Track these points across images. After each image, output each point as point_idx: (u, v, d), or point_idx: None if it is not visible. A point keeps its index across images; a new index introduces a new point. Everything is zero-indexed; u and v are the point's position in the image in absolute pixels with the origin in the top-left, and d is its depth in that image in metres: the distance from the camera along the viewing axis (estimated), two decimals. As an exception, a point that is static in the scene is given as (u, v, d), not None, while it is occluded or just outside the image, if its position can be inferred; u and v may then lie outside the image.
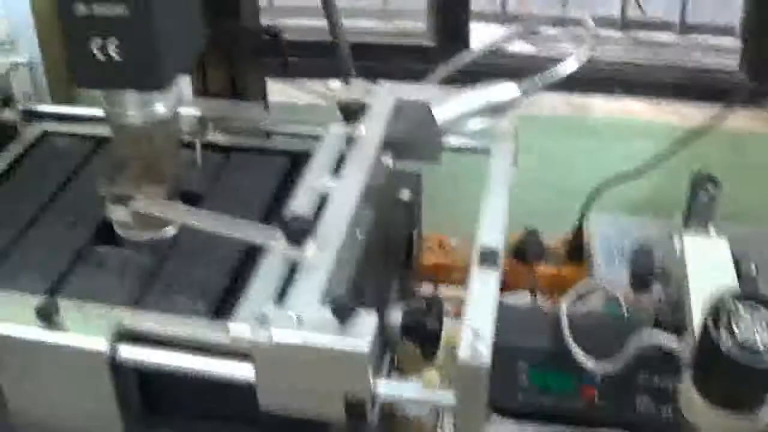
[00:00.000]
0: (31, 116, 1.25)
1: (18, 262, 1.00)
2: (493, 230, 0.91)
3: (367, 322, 0.79)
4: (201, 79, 1.26)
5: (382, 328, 1.12)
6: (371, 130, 1.07)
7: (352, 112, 1.06)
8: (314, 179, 0.98)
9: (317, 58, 1.62)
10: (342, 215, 0.93)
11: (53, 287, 0.96)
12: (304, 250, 0.86)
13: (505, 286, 1.14)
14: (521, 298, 1.42)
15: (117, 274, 0.98)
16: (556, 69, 1.01)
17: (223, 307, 0.92)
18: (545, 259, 1.53)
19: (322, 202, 0.96)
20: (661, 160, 1.42)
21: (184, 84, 1.27)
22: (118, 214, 0.99)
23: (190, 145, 1.16)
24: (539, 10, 1.90)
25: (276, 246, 0.87)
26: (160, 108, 0.97)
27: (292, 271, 0.86)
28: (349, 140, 1.07)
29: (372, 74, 1.58)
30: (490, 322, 0.82)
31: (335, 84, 1.69)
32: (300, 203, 0.94)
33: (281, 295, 0.84)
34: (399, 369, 1.33)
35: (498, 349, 0.81)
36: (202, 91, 1.26)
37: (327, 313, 0.79)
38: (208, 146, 1.18)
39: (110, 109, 0.96)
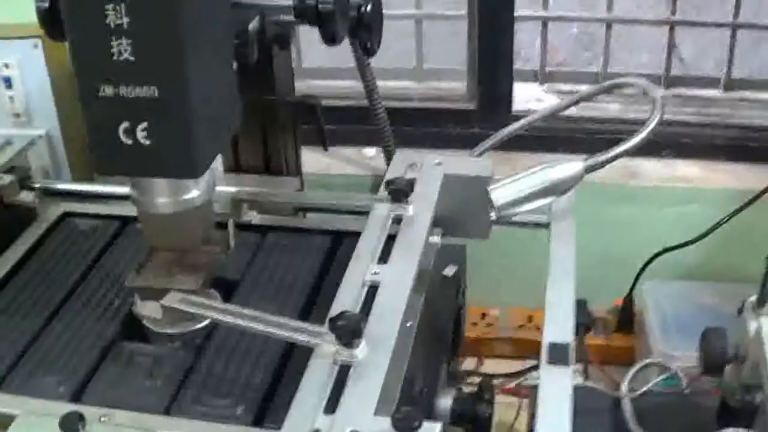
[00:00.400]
0: (50, 195, 1.18)
1: (40, 361, 0.92)
2: (561, 323, 0.83)
3: (431, 436, 0.70)
4: (233, 154, 1.19)
5: (432, 413, 1.05)
6: (421, 210, 0.99)
7: (400, 192, 0.98)
8: (361, 267, 0.90)
9: (350, 124, 1.57)
10: (394, 308, 0.85)
11: (78, 390, 0.88)
12: (356, 352, 0.78)
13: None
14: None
15: (147, 373, 0.90)
16: (625, 144, 0.94)
17: (264, 412, 0.84)
18: (593, 330, 1.45)
19: (370, 293, 0.88)
20: (716, 227, 1.34)
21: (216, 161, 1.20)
22: (147, 309, 0.92)
23: (222, 225, 1.09)
24: (568, 55, 1.83)
25: (325, 347, 0.79)
26: (195, 194, 0.90)
27: (342, 374, 0.78)
28: (397, 219, 0.99)
29: (409, 140, 1.52)
30: (567, 428, 0.74)
31: (370, 152, 1.63)
32: (347, 297, 0.86)
33: (332, 401, 0.75)
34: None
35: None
36: (234, 166, 1.19)
37: (384, 424, 0.70)
38: (241, 226, 1.11)
39: (137, 195, 0.89)
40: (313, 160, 1.43)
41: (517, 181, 0.94)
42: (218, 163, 1.22)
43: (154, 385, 0.88)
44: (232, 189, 1.11)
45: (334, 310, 0.83)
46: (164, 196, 0.89)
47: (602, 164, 0.94)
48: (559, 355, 0.79)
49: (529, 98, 1.68)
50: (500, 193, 0.94)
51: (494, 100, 1.61)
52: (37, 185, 1.17)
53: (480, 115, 1.63)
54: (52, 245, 1.12)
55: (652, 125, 0.97)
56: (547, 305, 0.85)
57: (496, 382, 1.43)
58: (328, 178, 1.49)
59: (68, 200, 1.20)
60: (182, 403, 0.86)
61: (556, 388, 0.76)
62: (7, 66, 1.34)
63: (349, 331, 0.78)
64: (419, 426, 0.68)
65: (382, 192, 1.00)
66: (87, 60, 0.78)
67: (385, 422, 0.70)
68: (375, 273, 0.90)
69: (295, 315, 0.97)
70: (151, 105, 0.79)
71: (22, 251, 1.10)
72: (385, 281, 0.89)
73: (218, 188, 1.11)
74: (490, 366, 1.47)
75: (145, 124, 0.81)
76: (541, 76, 1.72)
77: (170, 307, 0.87)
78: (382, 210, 1.00)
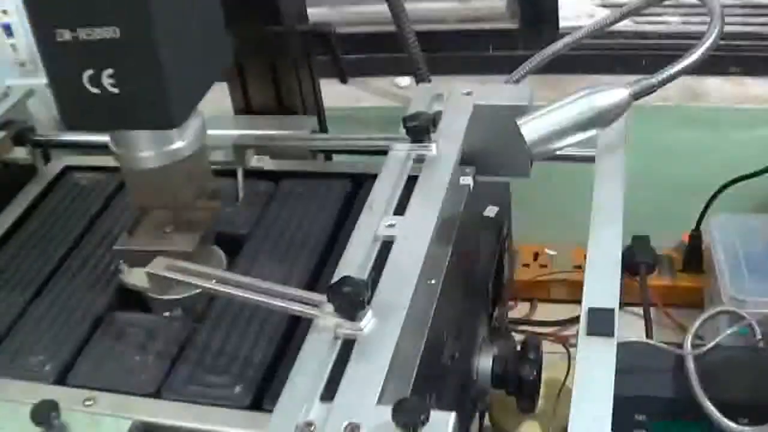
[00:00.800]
0: (53, 147, 1.09)
1: (28, 335, 0.83)
2: (604, 284, 0.70)
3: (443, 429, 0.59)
4: (242, 93, 1.07)
5: (470, 378, 0.94)
6: (446, 149, 0.87)
7: (420, 131, 0.86)
8: (373, 220, 0.78)
9: (379, 53, 1.43)
10: (410, 266, 0.73)
11: (63, 370, 0.79)
12: (360, 324, 0.67)
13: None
14: (630, 320, 1.21)
15: (139, 348, 0.80)
16: (677, 64, 0.79)
17: (263, 392, 0.74)
18: (657, 270, 1.31)
19: (383, 250, 0.76)
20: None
21: (224, 98, 1.09)
22: (134, 277, 0.82)
23: (231, 173, 0.99)
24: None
25: (324, 320, 0.68)
26: (179, 145, 0.79)
27: (345, 351, 0.67)
28: (419, 160, 0.87)
29: (446, 67, 1.38)
30: (607, 413, 0.62)
31: (404, 81, 1.48)
32: (356, 257, 0.74)
33: (331, 385, 0.64)
34: (492, 424, 1.13)
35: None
36: (244, 107, 1.07)
37: (388, 415, 0.59)
38: (253, 173, 1.00)
39: (116, 149, 0.79)
40: (340, 93, 1.31)
41: (551, 113, 0.80)
42: (227, 105, 1.10)
43: (145, 361, 0.79)
44: (240, 132, 1.00)
45: (338, 273, 0.72)
46: (145, 149, 0.78)
47: (652, 89, 0.80)
48: (600, 323, 0.66)
49: (580, 13, 1.51)
50: (532, 128, 0.80)
51: (537, 16, 1.44)
52: (37, 138, 1.08)
53: (523, 35, 1.46)
54: (52, 203, 1.03)
55: (709, 42, 0.82)
56: (588, 262, 0.72)
57: (548, 330, 1.31)
58: (359, 112, 1.36)
59: (73, 152, 1.10)
60: (174, 383, 0.76)
61: (596, 365, 0.64)
62: (5, 12, 1.25)
63: (351, 301, 0.67)
64: (425, 420, 0.57)
65: (402, 130, 0.88)
66: (39, 1, 0.68)
67: (389, 414, 0.59)
68: (390, 225, 0.78)
69: (306, 275, 0.87)
70: (114, 48, 0.68)
71: (19, 211, 1.01)
72: (401, 234, 0.77)
73: (226, 132, 1.01)
74: (544, 312, 1.34)
75: (110, 71, 0.70)
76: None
77: (156, 275, 0.77)
78: (400, 151, 0.87)
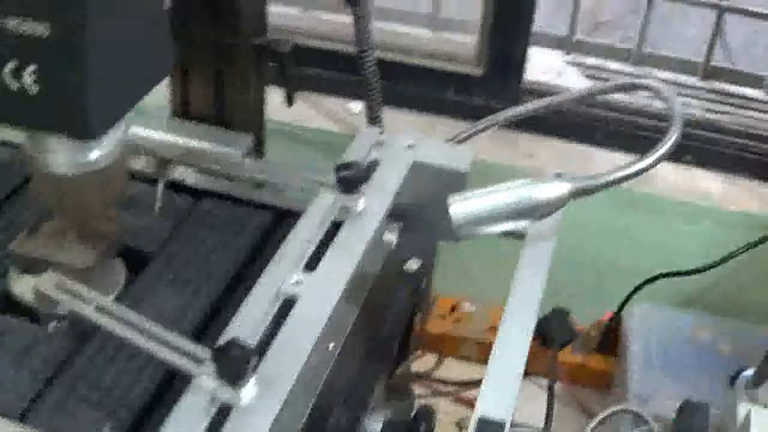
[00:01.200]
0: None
1: None
2: (502, 392, 0.67)
3: None
4: (181, 96, 1.02)
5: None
6: (374, 205, 0.83)
7: (351, 182, 0.82)
8: (280, 274, 0.75)
9: (335, 71, 1.39)
10: (307, 333, 0.69)
11: None
12: (240, 392, 0.63)
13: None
14: (534, 392, 1.18)
15: (14, 362, 0.75)
16: (626, 168, 0.77)
17: (133, 435, 0.70)
18: (573, 346, 1.30)
19: (285, 309, 0.72)
20: (731, 257, 1.17)
21: (161, 98, 1.04)
22: (19, 286, 0.77)
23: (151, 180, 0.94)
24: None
25: (203, 381, 0.64)
26: (95, 155, 0.74)
27: (222, 416, 0.63)
28: (344, 212, 0.83)
29: (399, 100, 1.34)
30: None
31: (357, 106, 1.44)
32: (252, 315, 0.70)
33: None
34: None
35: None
36: (181, 110, 1.03)
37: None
38: (173, 185, 0.96)
39: (29, 149, 0.74)
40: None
41: (486, 196, 0.77)
42: (164, 104, 1.05)
43: (17, 377, 0.74)
44: (168, 139, 0.96)
45: (230, 330, 0.68)
46: (58, 153, 0.73)
47: (593, 190, 0.78)
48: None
49: (548, 70, 1.49)
50: (462, 208, 0.77)
51: (504, 65, 1.41)
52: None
53: (485, 83, 1.43)
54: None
55: (664, 149, 0.79)
56: (490, 365, 0.69)
57: (451, 389, 1.28)
58: (305, 132, 1.32)
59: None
60: (42, 408, 0.71)
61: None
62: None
63: (235, 367, 0.63)
64: None
65: (332, 177, 0.84)
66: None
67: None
68: (296, 282, 0.74)
69: (201, 314, 0.82)
70: (41, 45, 0.64)
71: None
72: (306, 293, 0.73)
73: (154, 135, 0.97)
74: (451, 369, 1.31)
75: (33, 67, 0.65)
76: (569, 44, 1.53)
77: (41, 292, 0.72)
78: (326, 199, 0.84)
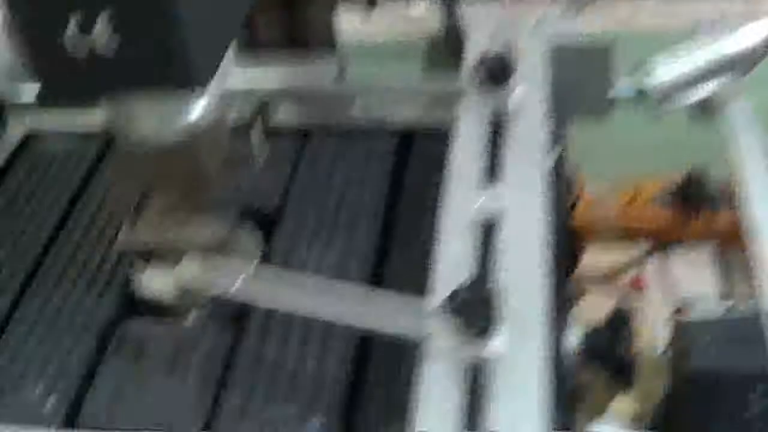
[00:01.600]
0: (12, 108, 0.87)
1: (17, 355, 0.64)
2: None
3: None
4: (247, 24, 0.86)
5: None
6: (530, 96, 0.69)
7: (497, 73, 0.68)
8: (464, 194, 0.61)
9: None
10: (531, 257, 0.56)
11: (73, 406, 0.60)
12: (492, 343, 0.50)
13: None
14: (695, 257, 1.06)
15: (167, 368, 0.61)
16: None
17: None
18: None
19: (487, 235, 0.58)
20: None
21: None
22: (156, 284, 0.62)
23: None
24: None
25: (440, 341, 0.50)
26: (199, 112, 0.58)
27: (472, 380, 0.50)
28: (498, 115, 0.69)
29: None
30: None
31: (418, 7, 1.27)
32: (452, 250, 0.56)
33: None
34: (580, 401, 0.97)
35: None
36: (248, 41, 0.87)
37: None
38: (271, 131, 0.80)
39: (116, 121, 0.58)
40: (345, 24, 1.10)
41: (683, 57, 0.63)
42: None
43: (183, 386, 0.60)
44: (253, 83, 0.80)
45: (441, 272, 0.54)
46: (161, 117, 0.57)
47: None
48: None
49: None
50: (665, 72, 0.62)
51: None
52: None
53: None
54: (15, 180, 0.82)
55: None
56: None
57: (599, 274, 1.15)
58: (370, 49, 1.15)
59: (36, 112, 0.88)
60: (224, 419, 0.58)
61: None
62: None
63: (482, 315, 0.49)
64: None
65: (468, 73, 0.70)
66: None
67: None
68: (489, 204, 0.60)
69: (371, 255, 0.68)
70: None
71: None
72: (508, 208, 0.59)
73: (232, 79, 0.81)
74: (593, 255, 1.17)
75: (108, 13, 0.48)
76: None
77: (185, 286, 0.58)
78: (474, 100, 0.69)
